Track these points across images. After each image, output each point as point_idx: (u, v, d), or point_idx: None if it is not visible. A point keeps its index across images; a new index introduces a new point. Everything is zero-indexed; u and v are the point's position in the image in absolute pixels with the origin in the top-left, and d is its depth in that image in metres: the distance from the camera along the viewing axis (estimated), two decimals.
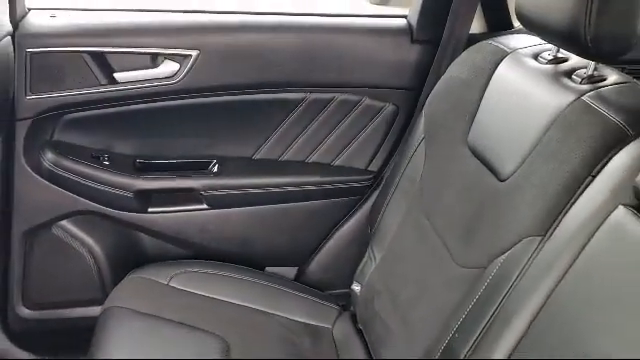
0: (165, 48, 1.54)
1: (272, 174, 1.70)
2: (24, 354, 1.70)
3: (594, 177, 0.95)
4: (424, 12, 1.59)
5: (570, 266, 0.90)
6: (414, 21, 1.62)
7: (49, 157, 1.56)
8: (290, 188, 1.70)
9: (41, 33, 1.47)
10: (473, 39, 1.48)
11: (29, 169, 1.55)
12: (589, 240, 0.89)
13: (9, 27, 1.31)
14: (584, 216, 0.92)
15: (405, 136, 1.62)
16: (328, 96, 1.65)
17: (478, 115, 1.31)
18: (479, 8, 1.59)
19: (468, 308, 1.10)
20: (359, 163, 1.73)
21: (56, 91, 1.50)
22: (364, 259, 1.56)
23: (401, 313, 1.33)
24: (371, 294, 1.47)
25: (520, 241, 1.03)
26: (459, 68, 1.42)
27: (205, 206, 1.68)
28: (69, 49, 1.48)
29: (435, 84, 1.47)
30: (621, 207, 0.87)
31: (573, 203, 0.96)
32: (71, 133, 1.58)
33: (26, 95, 1.48)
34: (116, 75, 1.54)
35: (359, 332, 1.50)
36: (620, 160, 0.92)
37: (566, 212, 0.96)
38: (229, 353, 1.35)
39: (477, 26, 1.62)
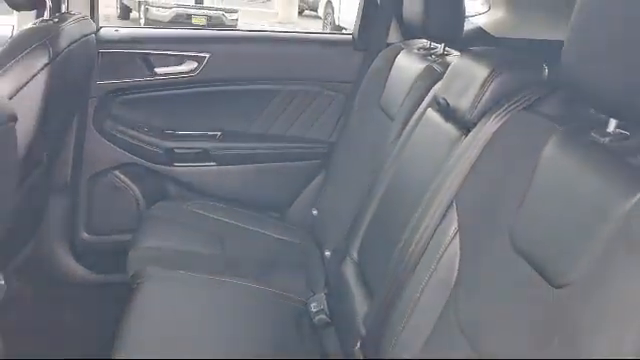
0: (188, 52, 2.31)
1: (261, 141, 2.43)
2: (85, 271, 2.38)
3: (423, 100, 1.69)
4: (360, 29, 2.36)
5: (404, 148, 1.63)
6: (355, 35, 2.39)
7: (109, 124, 2.31)
8: (274, 152, 2.43)
9: (108, 40, 2.25)
10: (390, 44, 2.23)
11: (96, 132, 2.30)
12: (414, 130, 1.62)
13: (94, 27, 2.08)
14: (415, 119, 1.65)
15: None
16: (298, 88, 2.40)
17: (385, 89, 2.04)
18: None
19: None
20: (322, 135, 2.44)
21: (115, 79, 2.27)
22: (321, 192, 2.28)
23: (337, 216, 2.03)
24: (323, 213, 2.19)
25: None
26: (377, 63, 2.18)
27: (213, 163, 2.41)
28: (126, 51, 2.26)
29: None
30: (429, 109, 1.59)
31: (411, 117, 1.69)
32: (124, 109, 2.33)
33: (97, 81, 2.25)
34: (156, 69, 2.31)
35: (318, 243, 2.18)
36: (435, 87, 1.66)
37: (408, 122, 1.69)
38: (223, 244, 2.06)
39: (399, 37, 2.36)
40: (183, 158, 2.39)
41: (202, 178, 2.41)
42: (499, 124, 1.26)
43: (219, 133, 2.41)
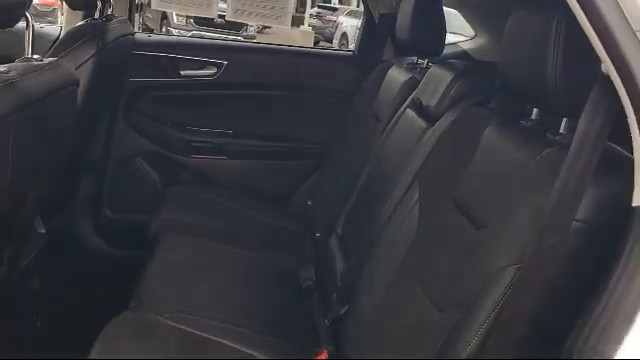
0: (209, 58, 2.66)
1: (267, 140, 2.75)
2: (105, 245, 2.69)
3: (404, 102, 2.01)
4: (360, 47, 2.70)
5: (385, 142, 1.95)
6: (355, 52, 2.73)
7: (136, 117, 2.65)
8: (278, 150, 2.75)
9: (142, 44, 2.60)
10: (384, 60, 2.57)
11: (125, 123, 2.64)
12: (395, 126, 1.94)
13: (132, 29, 2.43)
14: (395, 119, 1.97)
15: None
16: (303, 95, 2.73)
17: (377, 98, 2.37)
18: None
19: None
20: (321, 137, 2.74)
21: (145, 78, 2.62)
22: (316, 186, 2.59)
23: (328, 204, 2.34)
24: (316, 203, 2.50)
25: None
26: (372, 76, 2.51)
27: (225, 157, 2.73)
28: (155, 54, 2.61)
29: None
30: (408, 109, 1.92)
31: (393, 117, 2.01)
32: (151, 104, 2.67)
33: (129, 78, 2.58)
34: (180, 72, 2.65)
35: (310, 228, 2.48)
36: (414, 92, 1.98)
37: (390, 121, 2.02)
38: (229, 224, 2.37)
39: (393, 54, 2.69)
40: (199, 150, 2.72)
41: (214, 169, 2.74)
42: (455, 116, 1.58)
43: (231, 131, 2.74)
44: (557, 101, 1.17)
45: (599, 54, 0.91)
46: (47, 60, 1.43)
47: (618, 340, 0.88)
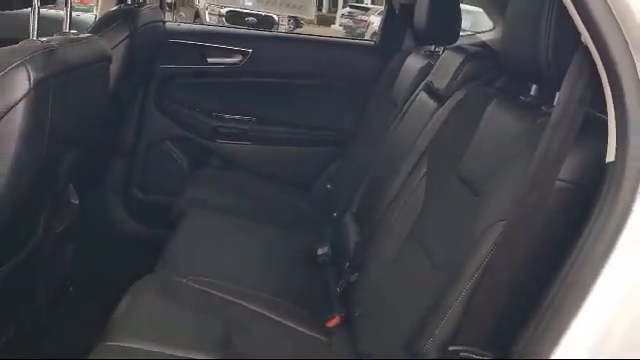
0: (235, 47, 2.78)
1: (290, 127, 2.86)
2: (136, 225, 2.82)
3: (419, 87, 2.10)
4: (381, 37, 2.80)
5: (400, 123, 2.04)
6: (377, 42, 2.83)
7: (166, 102, 2.78)
8: (301, 136, 2.86)
9: (172, 32, 2.73)
10: (404, 49, 2.66)
11: (154, 109, 2.77)
12: (409, 108, 2.03)
13: (162, 16, 2.56)
14: (410, 101, 2.07)
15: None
16: (325, 83, 2.83)
17: (395, 85, 2.46)
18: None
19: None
20: (343, 125, 2.84)
21: (175, 65, 2.75)
22: (336, 171, 2.70)
23: (346, 187, 2.44)
24: (335, 187, 2.60)
25: None
26: (391, 64, 2.61)
27: (249, 142, 2.85)
28: (184, 42, 2.74)
29: None
30: (422, 92, 2.01)
31: (408, 101, 2.11)
32: (180, 90, 2.80)
33: (159, 65, 2.72)
34: (208, 59, 2.78)
35: (329, 210, 2.58)
36: (428, 77, 2.07)
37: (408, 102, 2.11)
38: (253, 204, 2.48)
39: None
40: (225, 136, 2.84)
41: (239, 154, 2.86)
42: (462, 95, 1.67)
43: (256, 117, 2.86)
44: (551, 75, 1.26)
45: (577, 26, 0.99)
46: (83, 35, 1.56)
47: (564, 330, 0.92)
